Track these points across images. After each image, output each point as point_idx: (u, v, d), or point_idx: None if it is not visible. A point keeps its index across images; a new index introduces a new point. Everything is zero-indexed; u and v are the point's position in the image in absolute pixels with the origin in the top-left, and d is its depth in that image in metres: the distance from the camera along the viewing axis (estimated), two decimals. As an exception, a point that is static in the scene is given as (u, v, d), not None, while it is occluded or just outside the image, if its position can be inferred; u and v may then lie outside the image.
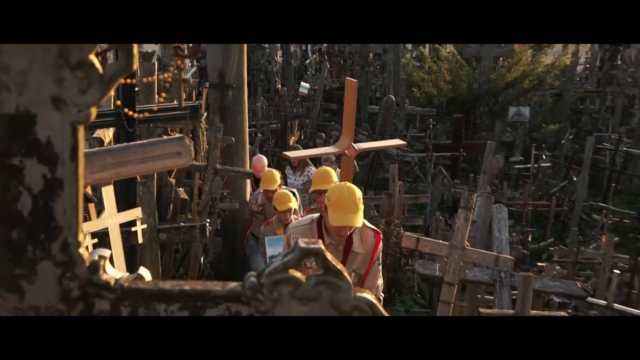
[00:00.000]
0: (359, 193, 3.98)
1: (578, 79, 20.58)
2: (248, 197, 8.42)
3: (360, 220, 3.96)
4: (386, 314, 1.24)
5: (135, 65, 1.13)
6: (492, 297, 6.09)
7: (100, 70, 1.10)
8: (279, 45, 21.04)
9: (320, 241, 1.29)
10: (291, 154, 5.96)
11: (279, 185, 7.06)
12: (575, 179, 12.47)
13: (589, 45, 23.08)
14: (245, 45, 8.54)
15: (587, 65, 22.07)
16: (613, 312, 7.19)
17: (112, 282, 1.19)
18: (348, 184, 4.17)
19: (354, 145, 4.76)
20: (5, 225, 1.14)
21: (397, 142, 5.94)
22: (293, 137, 13.28)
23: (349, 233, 4.03)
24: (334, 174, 5.69)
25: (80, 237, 1.17)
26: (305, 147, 13.09)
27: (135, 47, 1.14)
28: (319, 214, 4.29)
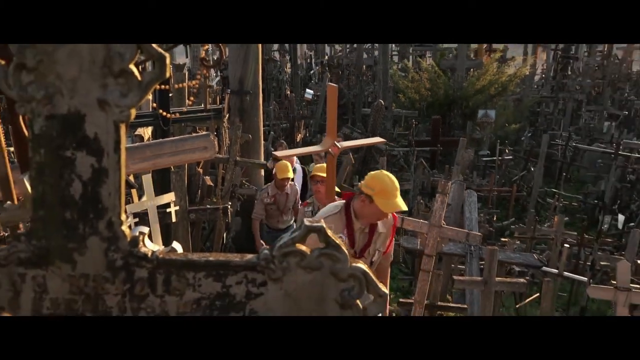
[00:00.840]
0: (394, 177, 3.73)
1: (535, 86, 20.47)
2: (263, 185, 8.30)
3: (403, 202, 3.69)
4: (377, 282, 1.23)
5: (168, 74, 1.12)
6: (463, 267, 6.09)
7: (139, 77, 1.09)
8: (288, 58, 20.99)
9: (322, 220, 1.28)
10: (279, 153, 5.70)
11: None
12: (532, 169, 12.46)
13: (544, 58, 23.00)
14: (260, 58, 8.51)
15: (543, 75, 22.00)
16: (564, 279, 7.20)
17: (150, 254, 1.19)
18: (383, 171, 3.84)
19: (337, 143, 4.41)
20: (60, 207, 1.13)
21: (377, 139, 5.66)
22: (300, 135, 13.26)
23: None
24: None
25: (123, 217, 1.17)
26: (310, 143, 13.06)
27: (168, 58, 1.12)
28: (343, 202, 3.88)
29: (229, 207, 5.80)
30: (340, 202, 3.95)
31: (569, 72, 20.26)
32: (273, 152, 6.75)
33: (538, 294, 6.78)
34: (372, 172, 3.82)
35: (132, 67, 1.08)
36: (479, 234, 5.74)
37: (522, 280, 5.33)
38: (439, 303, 5.04)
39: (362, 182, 3.76)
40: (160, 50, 1.10)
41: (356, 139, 12.56)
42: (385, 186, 3.60)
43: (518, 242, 8.60)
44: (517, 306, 7.13)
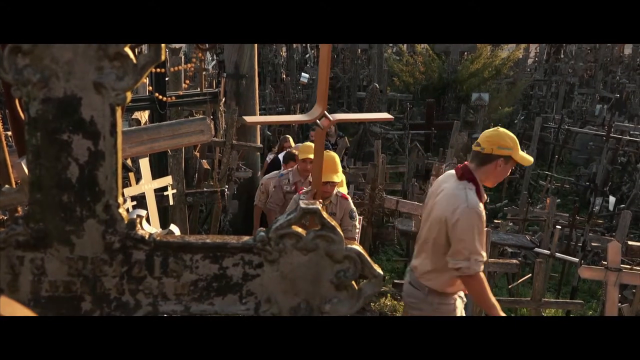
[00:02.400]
0: None
1: (528, 69, 20.43)
2: (259, 171, 8.20)
3: None
4: (372, 263, 1.23)
5: (163, 57, 1.11)
6: (457, 248, 6.10)
7: (134, 60, 1.08)
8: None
9: (318, 202, 1.28)
10: (249, 119, 4.38)
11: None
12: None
13: (537, 42, 22.93)
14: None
15: (536, 59, 21.95)
16: (555, 260, 7.24)
17: (147, 236, 1.18)
18: (498, 127, 3.35)
19: (329, 115, 3.51)
20: (57, 190, 1.13)
21: (381, 115, 4.21)
22: (295, 118, 13.19)
23: None
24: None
25: (120, 199, 1.16)
26: (306, 127, 13.01)
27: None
28: (464, 182, 3.28)
29: (226, 190, 5.78)
30: (460, 182, 3.30)
31: (562, 56, 20.23)
32: (243, 117, 5.69)
33: (530, 275, 6.82)
34: (488, 133, 3.30)
35: (127, 50, 1.07)
36: (473, 215, 5.73)
37: (514, 261, 5.35)
38: (433, 284, 5.05)
39: (484, 146, 3.23)
40: (155, 33, 1.08)
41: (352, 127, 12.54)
42: (516, 139, 3.25)
43: (511, 224, 8.64)
44: (509, 287, 7.17)
